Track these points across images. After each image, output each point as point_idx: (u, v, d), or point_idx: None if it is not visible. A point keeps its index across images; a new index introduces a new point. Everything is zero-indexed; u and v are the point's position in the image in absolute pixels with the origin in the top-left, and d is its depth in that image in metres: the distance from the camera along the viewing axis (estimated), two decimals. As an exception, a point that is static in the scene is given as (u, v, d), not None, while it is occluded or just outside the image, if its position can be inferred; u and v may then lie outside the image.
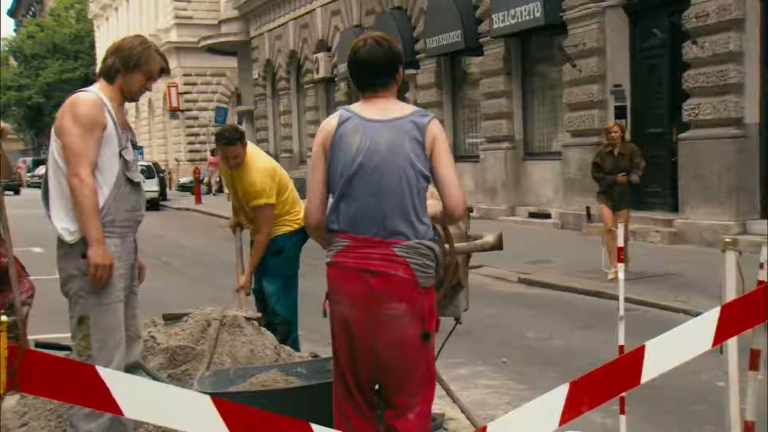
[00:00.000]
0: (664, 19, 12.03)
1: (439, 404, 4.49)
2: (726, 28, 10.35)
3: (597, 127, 12.92)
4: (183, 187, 31.86)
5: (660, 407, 4.80)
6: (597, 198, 9.31)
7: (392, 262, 2.81)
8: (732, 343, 3.01)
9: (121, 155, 3.28)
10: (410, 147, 2.85)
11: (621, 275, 4.16)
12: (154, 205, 25.21)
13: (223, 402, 2.21)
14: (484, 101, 15.89)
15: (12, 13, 76.23)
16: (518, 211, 15.31)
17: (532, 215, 14.83)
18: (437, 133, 2.91)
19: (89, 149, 3.16)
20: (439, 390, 4.60)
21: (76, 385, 2.01)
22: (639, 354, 2.67)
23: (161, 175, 27.58)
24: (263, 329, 4.22)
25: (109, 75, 3.33)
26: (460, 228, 3.59)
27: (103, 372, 2.03)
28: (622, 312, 4.21)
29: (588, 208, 13.00)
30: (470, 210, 3.91)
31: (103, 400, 2.02)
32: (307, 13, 23.89)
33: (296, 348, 5.00)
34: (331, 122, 2.96)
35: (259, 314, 4.35)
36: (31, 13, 67.34)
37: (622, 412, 3.97)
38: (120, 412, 2.05)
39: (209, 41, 30.24)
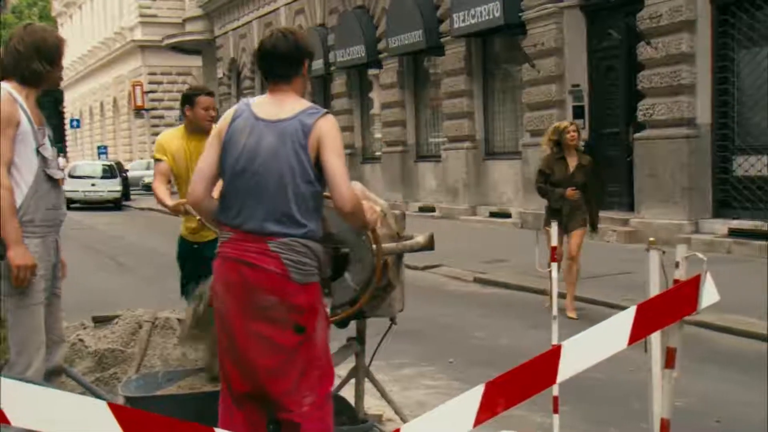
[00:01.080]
0: (620, 19, 12.15)
1: (378, 405, 4.48)
2: (678, 30, 10.47)
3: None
4: (148, 187, 31.53)
5: (599, 405, 4.82)
6: (544, 222, 7.24)
7: (266, 255, 2.91)
8: (656, 341, 3.02)
9: (38, 152, 3.20)
10: (292, 152, 2.91)
11: (554, 274, 4.18)
12: (116, 205, 24.93)
13: (121, 408, 2.16)
14: (446, 101, 15.92)
15: (-26, 10, 74.98)
16: (479, 211, 15.36)
17: (493, 215, 14.89)
18: (324, 132, 2.92)
19: (3, 148, 3.09)
20: (376, 391, 4.60)
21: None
22: (555, 354, 2.67)
23: (124, 174, 27.26)
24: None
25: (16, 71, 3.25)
26: (390, 228, 3.57)
27: (-10, 378, 1.97)
28: (555, 312, 4.23)
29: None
30: (403, 213, 3.89)
31: (-11, 407, 1.96)
32: (271, 12, 23.78)
33: None
34: (227, 116, 3.06)
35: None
36: (-7, 10, 66.25)
37: (556, 411, 3.99)
38: (6, 421, 1.99)
39: (173, 40, 29.98)
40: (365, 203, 3.20)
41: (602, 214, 12.43)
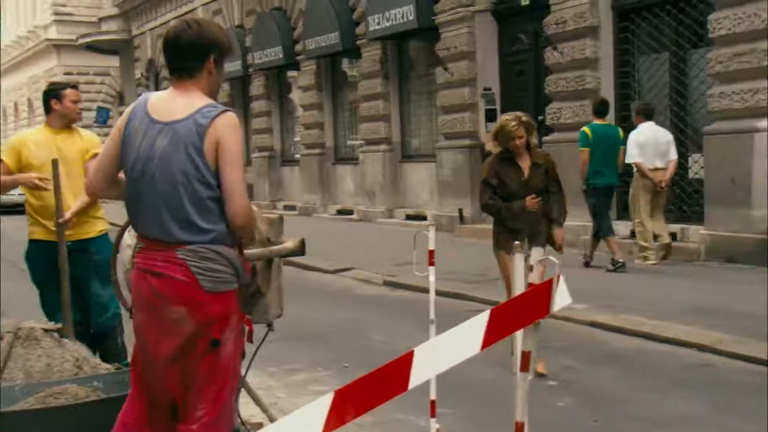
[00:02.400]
0: (529, 24, 12.34)
1: (261, 418, 4.39)
2: (582, 35, 10.69)
3: (468, 130, 13.15)
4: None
5: (485, 408, 4.84)
6: (495, 244, 5.52)
7: (172, 264, 2.78)
8: (518, 344, 3.03)
9: None
10: (185, 156, 2.76)
11: (432, 278, 4.17)
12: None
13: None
14: (363, 103, 15.91)
15: None
16: (396, 213, 15.39)
17: (409, 217, 14.94)
18: (222, 133, 2.76)
19: None
20: (266, 398, 4.51)
21: None
22: (407, 360, 2.64)
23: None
24: (65, 340, 4.00)
25: None
26: (260, 233, 3.49)
27: None
28: (432, 315, 4.23)
29: (461, 210, 13.21)
30: (280, 217, 3.82)
31: None
32: (188, 12, 23.34)
33: (122, 359, 4.80)
34: (125, 113, 2.93)
35: (59, 325, 4.12)
36: None
37: (433, 415, 3.98)
38: None
39: (88, 39, 29.17)
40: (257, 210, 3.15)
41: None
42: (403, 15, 13.82)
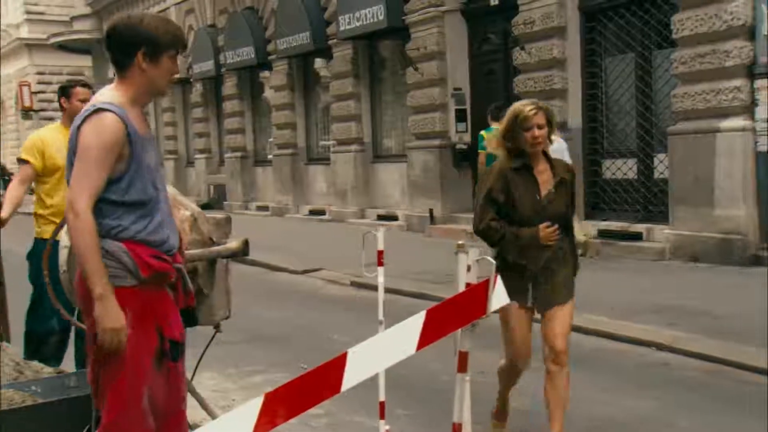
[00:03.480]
0: (498, 24, 12.36)
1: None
2: (550, 35, 10.72)
3: (438, 130, 13.14)
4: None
5: (436, 408, 4.82)
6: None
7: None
8: (458, 345, 3.00)
9: None
10: (71, 155, 2.81)
11: (380, 279, 4.15)
12: (-3, 210, 23.78)
13: None
14: (334, 103, 15.86)
15: None
16: (368, 214, 15.35)
17: (380, 217, 14.91)
18: (84, 133, 2.74)
19: None
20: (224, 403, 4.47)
21: None
22: (340, 361, 2.61)
23: (6, 177, 26.04)
24: (5, 344, 3.93)
25: None
26: (202, 234, 3.45)
27: None
28: (381, 316, 4.20)
29: (431, 210, 13.20)
30: (228, 218, 3.77)
31: None
32: (161, 12, 23.15)
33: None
34: None
35: None
36: None
37: (382, 416, 3.95)
38: None
39: (60, 38, 28.87)
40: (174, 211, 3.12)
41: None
42: (374, 15, 13.79)
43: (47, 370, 3.96)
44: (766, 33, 8.31)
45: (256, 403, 2.46)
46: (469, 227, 6.77)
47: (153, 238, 2.82)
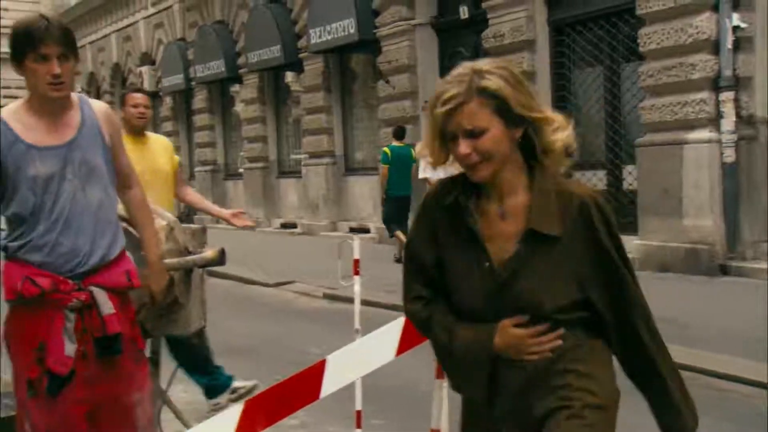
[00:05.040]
0: (469, 37, 12.48)
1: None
2: (520, 49, 10.84)
3: (410, 143, 13.18)
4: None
5: (414, 418, 4.82)
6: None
7: None
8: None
9: None
10: None
11: (357, 288, 4.15)
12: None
13: None
14: (306, 117, 15.87)
15: None
16: (340, 226, 15.35)
17: (352, 230, 14.90)
18: None
19: None
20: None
21: None
22: (319, 368, 2.62)
23: None
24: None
25: None
26: (177, 243, 3.43)
27: None
28: (357, 325, 4.21)
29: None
30: (203, 229, 3.75)
31: None
32: (129, 26, 23.06)
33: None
34: None
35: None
36: None
37: (358, 425, 3.95)
38: None
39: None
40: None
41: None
42: (344, 28, 13.85)
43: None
44: (730, 47, 8.49)
45: (237, 410, 2.46)
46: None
47: (29, 257, 2.66)
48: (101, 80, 25.59)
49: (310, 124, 15.73)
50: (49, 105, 2.72)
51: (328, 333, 7.65)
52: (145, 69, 21.82)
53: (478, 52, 12.17)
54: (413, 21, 12.93)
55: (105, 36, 24.62)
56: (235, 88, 18.17)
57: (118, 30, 23.75)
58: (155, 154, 4.73)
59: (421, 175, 9.98)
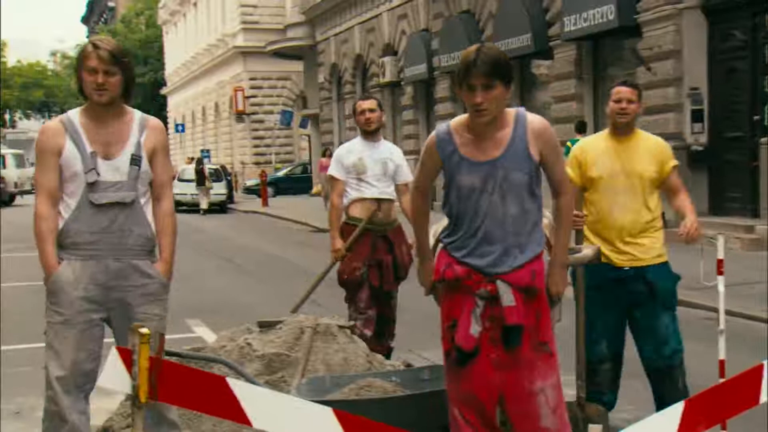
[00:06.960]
0: (745, 19, 11.72)
1: None
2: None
3: (672, 131, 12.66)
4: (249, 190, 32.33)
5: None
6: None
7: None
8: None
9: (86, 177, 3.15)
10: None
11: (721, 288, 4.06)
12: (221, 207, 25.69)
13: (344, 414, 2.24)
14: (554, 105, 15.72)
15: (85, 20, 78.61)
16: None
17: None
18: None
19: (41, 177, 3.21)
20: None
21: (208, 396, 2.06)
22: (758, 372, 2.61)
23: (229, 178, 28.05)
24: (355, 337, 4.25)
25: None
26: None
27: (233, 384, 2.07)
28: (722, 325, 4.10)
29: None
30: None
31: (233, 410, 2.07)
32: (373, 18, 24.01)
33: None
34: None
35: (352, 323, 4.38)
36: (103, 20, 69.28)
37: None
38: (249, 423, 2.09)
39: (276, 46, 30.66)
40: None
41: (722, 220, 12.14)
42: (603, 15, 13.52)
43: (389, 363, 4.23)
44: None
45: (678, 409, 2.52)
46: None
47: (453, 253, 3.15)
48: (343, 71, 26.89)
49: (559, 113, 15.56)
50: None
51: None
52: (387, 60, 22.65)
53: (756, 34, 11.42)
54: (680, 5, 12.35)
55: (349, 28, 25.83)
56: (479, 76, 18.35)
57: (361, 22, 24.83)
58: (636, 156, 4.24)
59: None
